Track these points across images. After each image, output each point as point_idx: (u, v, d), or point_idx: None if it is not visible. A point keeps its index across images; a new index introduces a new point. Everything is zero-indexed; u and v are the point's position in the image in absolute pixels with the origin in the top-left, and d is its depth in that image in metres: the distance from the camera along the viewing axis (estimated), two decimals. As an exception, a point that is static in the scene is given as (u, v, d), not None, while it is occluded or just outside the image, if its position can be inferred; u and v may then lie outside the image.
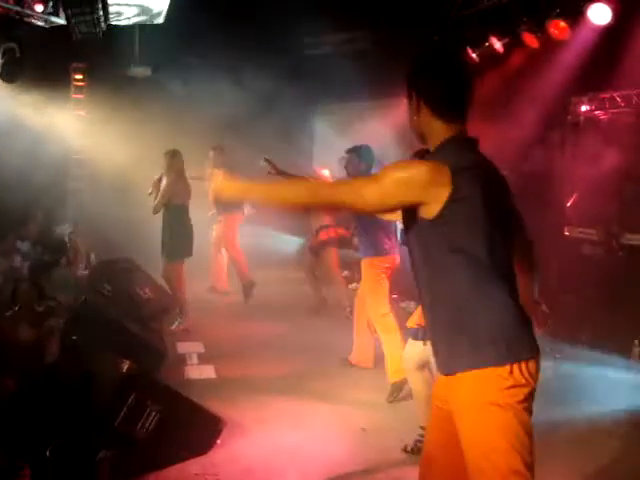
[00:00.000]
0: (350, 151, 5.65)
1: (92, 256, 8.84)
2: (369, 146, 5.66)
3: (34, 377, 4.44)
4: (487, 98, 8.17)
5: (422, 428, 4.05)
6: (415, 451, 4.08)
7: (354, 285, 8.06)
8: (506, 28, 7.93)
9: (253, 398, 5.02)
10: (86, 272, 8.04)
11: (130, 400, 3.82)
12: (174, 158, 7.04)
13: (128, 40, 10.01)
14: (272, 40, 9.64)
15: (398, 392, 5.09)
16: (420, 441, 4.07)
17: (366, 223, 5.41)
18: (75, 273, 7.99)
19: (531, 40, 7.52)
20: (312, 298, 8.00)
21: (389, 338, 5.28)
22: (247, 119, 9.89)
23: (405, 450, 4.19)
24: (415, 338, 4.04)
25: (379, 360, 5.62)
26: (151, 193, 7.03)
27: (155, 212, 6.96)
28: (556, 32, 7.12)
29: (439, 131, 2.31)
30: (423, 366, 4.08)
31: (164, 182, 6.96)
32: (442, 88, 2.34)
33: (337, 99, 10.68)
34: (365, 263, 5.54)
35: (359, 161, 5.52)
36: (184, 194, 7.06)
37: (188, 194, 7.09)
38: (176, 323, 6.92)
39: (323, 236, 8.03)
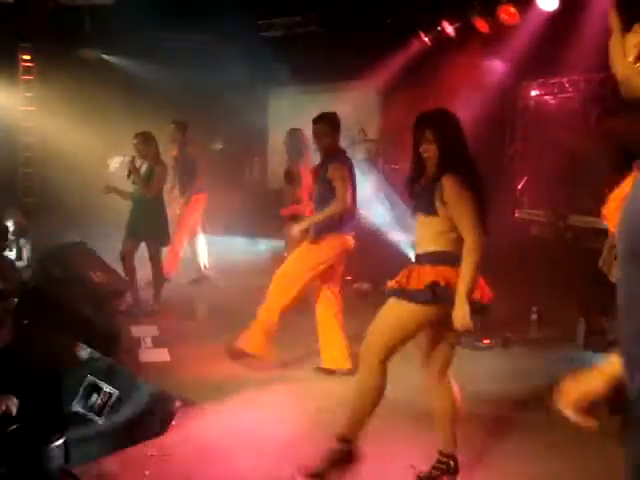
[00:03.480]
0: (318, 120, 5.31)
1: (23, 241, 8.56)
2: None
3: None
4: (438, 81, 8.30)
5: (442, 454, 3.59)
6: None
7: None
8: (458, 13, 8.04)
9: (207, 380, 5.04)
10: (32, 256, 7.90)
11: (85, 383, 3.81)
12: (148, 143, 6.94)
13: (78, 21, 9.84)
14: (226, 22, 9.58)
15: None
16: (437, 468, 3.58)
17: (326, 200, 5.14)
18: (24, 257, 7.88)
19: (482, 25, 7.65)
20: None
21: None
22: (200, 101, 9.84)
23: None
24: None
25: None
26: (129, 176, 6.94)
27: (150, 195, 6.89)
28: (506, 17, 7.26)
29: None
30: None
31: (144, 167, 6.92)
32: None
33: (290, 81, 10.69)
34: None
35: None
36: (163, 178, 7.14)
37: (165, 178, 7.16)
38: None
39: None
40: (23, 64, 10.26)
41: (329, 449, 3.55)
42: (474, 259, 3.26)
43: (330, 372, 5.26)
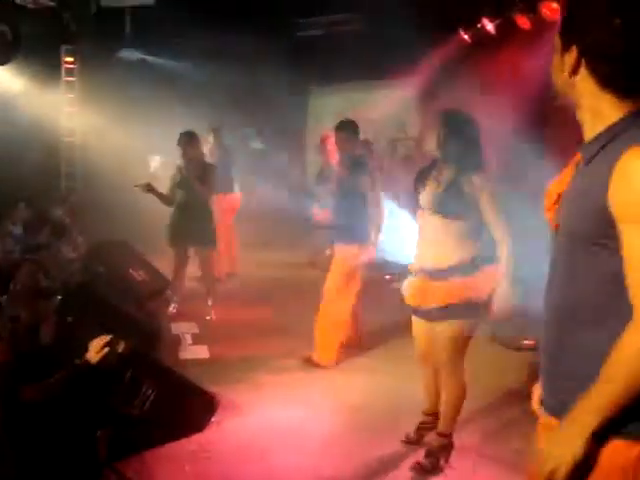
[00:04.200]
0: (341, 128, 5.35)
1: (80, 239, 8.78)
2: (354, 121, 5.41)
3: (30, 358, 4.47)
4: (478, 80, 8.20)
5: (424, 413, 4.01)
6: (416, 440, 4.00)
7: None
8: (498, 9, 7.93)
9: (247, 377, 5.07)
10: (75, 255, 8.03)
11: (126, 379, 3.86)
12: (194, 143, 6.57)
13: (119, 22, 9.97)
14: (265, 21, 9.62)
15: None
16: (422, 428, 3.99)
17: (354, 203, 5.21)
18: (67, 255, 7.99)
19: (523, 22, 7.53)
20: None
21: None
22: (239, 101, 9.90)
23: (407, 440, 4.03)
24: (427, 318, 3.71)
25: (375, 340, 5.71)
26: (175, 181, 6.58)
27: (204, 200, 6.56)
28: (548, 13, 7.13)
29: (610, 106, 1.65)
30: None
31: (192, 169, 6.47)
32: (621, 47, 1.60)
33: (329, 81, 10.69)
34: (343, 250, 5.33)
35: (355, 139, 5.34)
36: (215, 179, 6.75)
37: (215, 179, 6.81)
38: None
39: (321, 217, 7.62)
40: (66, 66, 10.44)
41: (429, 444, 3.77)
42: (508, 245, 3.42)
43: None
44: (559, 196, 1.78)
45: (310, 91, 11.72)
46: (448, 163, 3.53)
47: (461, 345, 3.58)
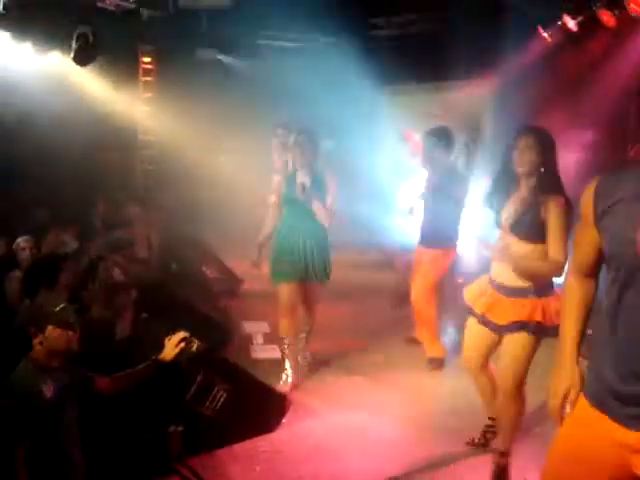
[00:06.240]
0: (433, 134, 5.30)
1: (154, 236, 8.94)
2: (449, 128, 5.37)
3: (106, 351, 4.56)
4: (558, 81, 7.97)
5: (490, 419, 3.98)
6: (482, 444, 4.02)
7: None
8: (581, 5, 7.64)
9: (318, 378, 5.04)
10: (149, 252, 8.17)
11: (199, 378, 3.89)
12: (313, 144, 4.84)
13: (195, 23, 10.11)
14: (338, 21, 9.58)
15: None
16: (488, 432, 4.01)
17: (448, 209, 5.21)
18: (142, 253, 8.15)
19: (608, 18, 7.23)
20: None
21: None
22: (313, 101, 9.88)
23: (472, 443, 4.06)
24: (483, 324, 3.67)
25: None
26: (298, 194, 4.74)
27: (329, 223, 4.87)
28: (635, 9, 6.82)
29: None
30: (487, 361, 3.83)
31: (307, 178, 4.68)
32: None
33: (403, 81, 10.57)
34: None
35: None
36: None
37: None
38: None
39: None
40: (143, 66, 10.67)
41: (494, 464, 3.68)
42: (549, 268, 3.37)
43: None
44: None
45: (383, 91, 11.64)
46: (529, 182, 3.43)
47: (527, 362, 3.51)
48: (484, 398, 3.91)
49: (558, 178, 3.43)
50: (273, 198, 5.12)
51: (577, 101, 7.62)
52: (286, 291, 4.86)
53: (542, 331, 3.41)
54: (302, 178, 4.66)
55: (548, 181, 3.38)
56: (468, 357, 3.81)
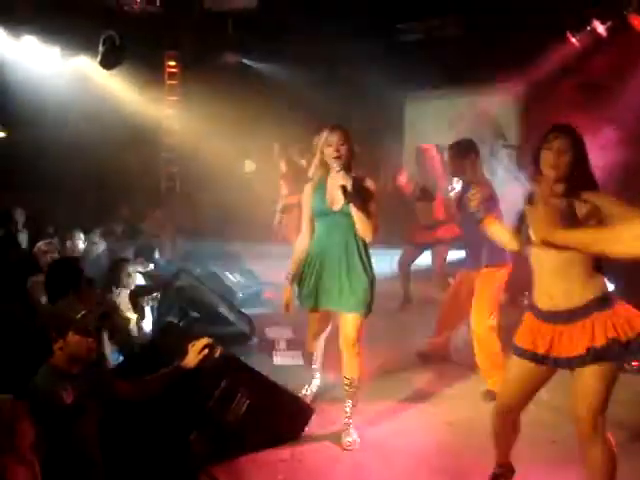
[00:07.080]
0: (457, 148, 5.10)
1: (178, 239, 8.99)
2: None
3: (129, 355, 4.57)
4: (587, 86, 7.87)
5: (499, 464, 3.49)
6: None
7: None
8: (611, 10, 7.54)
9: (339, 388, 4.98)
10: (173, 255, 8.19)
11: (222, 385, 3.86)
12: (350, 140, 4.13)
13: (220, 26, 10.14)
14: (363, 26, 9.55)
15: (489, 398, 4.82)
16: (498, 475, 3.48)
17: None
18: (165, 255, 8.17)
19: (639, 23, 7.13)
20: (399, 293, 7.48)
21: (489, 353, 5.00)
22: (338, 105, 9.86)
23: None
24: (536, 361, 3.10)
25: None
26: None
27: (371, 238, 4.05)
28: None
29: None
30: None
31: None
32: None
33: (428, 86, 10.51)
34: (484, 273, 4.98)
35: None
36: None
37: None
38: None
39: (441, 233, 7.18)
40: (168, 69, 10.73)
41: None
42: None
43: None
44: None
45: (408, 95, 11.58)
46: (557, 187, 3.04)
47: (606, 395, 2.96)
48: (496, 440, 3.45)
49: (593, 178, 3.05)
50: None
51: (605, 106, 7.52)
52: (312, 317, 4.38)
53: (618, 351, 2.90)
54: (343, 180, 3.92)
55: (584, 182, 3.01)
56: (510, 398, 3.28)
